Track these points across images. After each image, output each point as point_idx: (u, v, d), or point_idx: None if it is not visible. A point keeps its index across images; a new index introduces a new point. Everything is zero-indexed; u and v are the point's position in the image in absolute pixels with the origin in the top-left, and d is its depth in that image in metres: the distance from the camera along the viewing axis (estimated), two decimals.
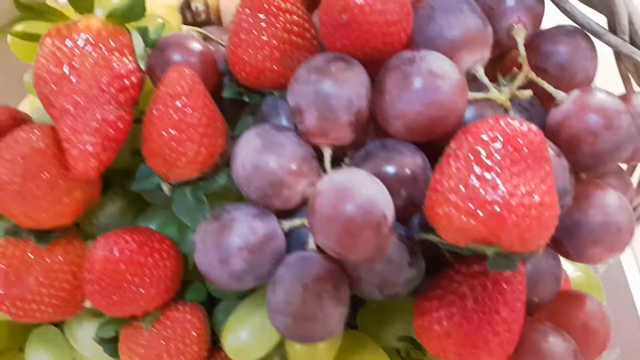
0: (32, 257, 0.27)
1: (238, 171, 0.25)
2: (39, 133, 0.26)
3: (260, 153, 0.24)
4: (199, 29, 0.32)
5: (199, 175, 0.27)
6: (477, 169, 0.21)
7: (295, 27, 0.27)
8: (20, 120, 0.29)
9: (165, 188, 0.28)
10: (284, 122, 0.28)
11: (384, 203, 0.22)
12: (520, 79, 0.27)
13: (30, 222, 0.26)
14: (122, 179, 0.30)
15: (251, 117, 0.30)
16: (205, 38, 0.32)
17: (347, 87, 0.24)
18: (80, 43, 0.26)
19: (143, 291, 0.26)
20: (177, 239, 0.29)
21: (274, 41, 0.27)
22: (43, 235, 0.27)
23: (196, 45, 0.29)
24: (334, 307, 0.24)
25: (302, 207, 0.26)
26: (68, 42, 0.26)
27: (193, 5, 0.36)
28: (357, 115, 0.24)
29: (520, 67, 0.27)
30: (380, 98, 0.24)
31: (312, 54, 0.28)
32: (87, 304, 0.29)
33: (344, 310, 0.24)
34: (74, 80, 0.25)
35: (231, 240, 0.24)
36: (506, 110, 0.26)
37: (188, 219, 0.27)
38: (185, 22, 0.37)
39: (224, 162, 0.28)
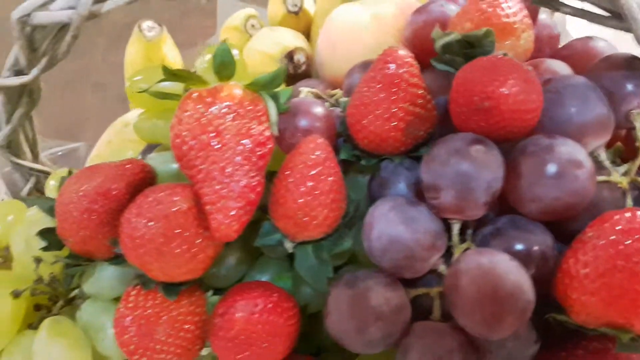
0: (161, 308, 0.28)
1: (373, 242, 0.26)
2: (182, 193, 0.27)
3: (396, 227, 0.26)
4: (311, 90, 0.33)
5: (322, 236, 0.29)
6: (618, 262, 0.23)
7: (419, 100, 0.29)
8: (148, 173, 0.30)
9: (289, 246, 0.29)
10: (402, 187, 0.29)
11: (529, 289, 0.23)
12: (638, 164, 0.28)
13: (164, 277, 0.28)
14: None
15: (360, 175, 0.32)
16: (318, 97, 0.34)
17: (486, 170, 0.25)
18: (224, 110, 0.27)
19: (273, 349, 0.27)
20: (292, 291, 0.30)
21: (401, 113, 0.28)
22: (172, 288, 0.28)
23: (320, 110, 0.30)
24: None
25: (425, 275, 0.27)
26: (213, 109, 0.27)
27: (295, 58, 0.37)
28: (493, 195, 0.26)
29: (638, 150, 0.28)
30: (514, 180, 0.26)
31: (431, 125, 0.29)
32: (205, 351, 0.30)
33: None
34: (219, 147, 0.26)
35: (368, 310, 0.25)
36: (624, 193, 0.28)
37: (310, 278, 0.28)
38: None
39: (344, 223, 0.29)
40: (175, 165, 0.34)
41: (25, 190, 0.46)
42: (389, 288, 0.26)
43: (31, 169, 0.44)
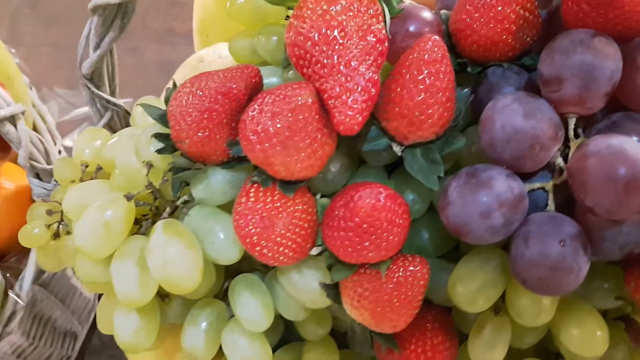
0: (281, 204, 0.29)
1: (496, 133, 0.27)
2: (305, 88, 0.28)
3: (522, 117, 0.27)
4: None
5: (433, 137, 0.29)
6: None
7: (529, 5, 0.30)
8: (261, 79, 0.31)
9: (397, 149, 0.30)
10: (512, 90, 0.30)
11: None
12: None
13: (285, 173, 0.28)
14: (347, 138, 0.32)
15: (458, 88, 0.33)
16: None
17: (610, 60, 0.26)
18: (346, 8, 0.28)
19: (392, 239, 0.28)
20: None
21: (513, 15, 0.29)
22: (289, 186, 0.29)
23: (430, 16, 0.31)
24: (585, 263, 0.26)
25: (537, 172, 0.28)
26: (335, 7, 0.27)
27: None
28: (613, 87, 0.26)
29: None
30: (632, 74, 0.27)
31: (537, 32, 0.30)
32: (313, 251, 0.31)
33: (588, 266, 0.26)
34: (344, 41, 0.27)
35: (493, 196, 0.26)
36: None
37: (422, 177, 0.29)
38: None
39: (452, 127, 0.30)
40: (274, 79, 0.34)
41: (99, 126, 0.47)
42: (510, 178, 0.27)
43: (108, 101, 0.45)
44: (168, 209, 0.32)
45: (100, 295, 0.71)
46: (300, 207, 0.30)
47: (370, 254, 0.28)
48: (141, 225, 0.33)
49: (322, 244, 0.30)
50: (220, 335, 0.34)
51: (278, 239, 0.29)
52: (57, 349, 0.63)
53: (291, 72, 0.33)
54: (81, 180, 0.38)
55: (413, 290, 0.29)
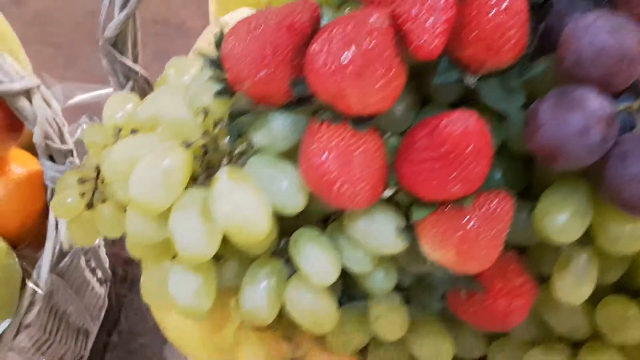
0: (354, 140, 0.27)
1: (584, 51, 0.26)
2: (379, 12, 0.26)
3: (607, 33, 0.25)
4: None
5: (509, 64, 0.28)
6: None
7: None
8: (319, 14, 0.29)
9: (471, 80, 0.28)
10: None
11: None
12: None
13: (358, 107, 0.27)
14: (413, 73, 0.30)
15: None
16: None
17: None
18: None
19: (479, 170, 0.26)
20: None
21: None
22: (361, 122, 0.27)
23: None
24: None
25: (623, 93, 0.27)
26: None
27: None
28: None
29: None
30: None
31: None
32: (386, 193, 0.29)
33: None
34: None
35: (589, 112, 0.25)
36: None
37: (502, 107, 0.28)
38: None
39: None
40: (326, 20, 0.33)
41: None
42: (602, 95, 0.26)
43: (131, 69, 0.43)
44: (224, 161, 0.30)
45: (109, 294, 0.69)
46: (373, 144, 0.28)
47: (455, 187, 0.27)
48: (195, 180, 0.31)
49: (394, 184, 0.29)
50: (282, 294, 0.32)
51: (356, 176, 0.27)
52: (71, 347, 0.60)
53: (347, 9, 0.32)
54: None
55: (499, 226, 0.28)
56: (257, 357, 0.34)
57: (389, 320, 0.33)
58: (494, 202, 0.28)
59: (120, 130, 0.36)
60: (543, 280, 0.31)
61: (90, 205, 0.37)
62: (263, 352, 0.34)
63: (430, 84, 0.30)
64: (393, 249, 0.30)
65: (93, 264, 0.62)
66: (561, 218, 0.28)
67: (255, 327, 0.36)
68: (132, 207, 0.30)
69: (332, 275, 0.31)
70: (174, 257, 0.33)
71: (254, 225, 0.28)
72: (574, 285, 0.29)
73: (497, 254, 0.28)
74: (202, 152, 0.31)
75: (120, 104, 0.37)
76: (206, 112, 0.29)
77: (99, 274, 0.64)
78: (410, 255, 0.32)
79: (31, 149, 0.53)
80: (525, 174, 0.32)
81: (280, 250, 0.34)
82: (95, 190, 0.36)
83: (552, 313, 0.32)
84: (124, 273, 0.74)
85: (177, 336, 0.39)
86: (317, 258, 0.31)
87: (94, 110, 0.79)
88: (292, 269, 0.33)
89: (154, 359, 0.67)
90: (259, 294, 0.32)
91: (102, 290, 0.66)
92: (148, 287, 0.34)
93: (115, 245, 0.75)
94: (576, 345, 0.33)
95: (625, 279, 0.31)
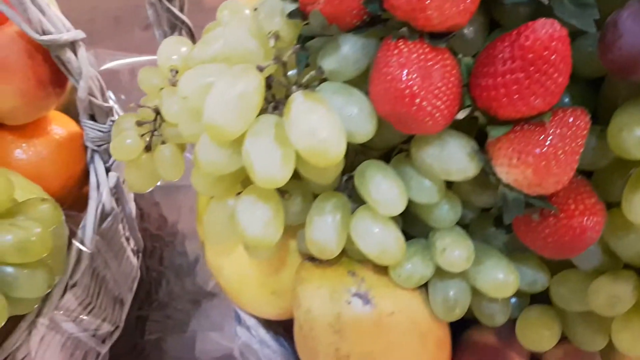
0: (432, 56, 0.27)
1: None
2: None
3: None
4: None
5: None
6: None
7: None
8: None
9: None
10: None
11: None
12: None
13: (437, 20, 0.26)
14: None
15: None
16: None
17: None
18: None
19: (560, 81, 0.26)
20: None
21: None
22: (437, 38, 0.27)
23: None
24: None
25: None
26: None
27: None
28: None
29: None
30: None
31: None
32: (460, 114, 0.29)
33: None
34: None
35: None
36: None
37: (577, 21, 0.28)
38: None
39: None
40: None
41: None
42: None
43: (177, 17, 0.43)
44: (294, 88, 0.30)
45: (141, 266, 0.69)
46: (449, 61, 0.28)
47: (537, 100, 0.27)
48: (264, 109, 0.31)
49: (469, 104, 0.29)
50: (348, 226, 0.32)
51: (436, 90, 0.27)
52: (109, 314, 0.60)
53: None
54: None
55: (576, 142, 0.28)
56: (321, 292, 0.34)
57: (455, 253, 0.33)
58: (572, 117, 0.28)
59: (176, 71, 0.36)
60: (608, 207, 0.31)
61: (148, 148, 0.37)
62: (328, 287, 0.34)
63: (500, 7, 0.30)
64: (466, 173, 0.30)
65: (128, 233, 0.62)
66: (638, 132, 0.28)
67: (317, 264, 0.36)
68: (206, 133, 0.29)
69: (401, 205, 0.31)
70: (239, 193, 0.33)
71: (331, 147, 0.28)
72: None
73: (573, 171, 0.28)
74: (270, 81, 0.31)
75: (174, 46, 0.37)
76: (277, 36, 0.29)
77: (132, 244, 0.64)
78: (479, 183, 0.32)
79: (67, 113, 0.53)
80: (591, 98, 0.32)
81: (342, 186, 0.34)
82: (154, 132, 0.36)
83: (619, 239, 0.32)
84: (152, 248, 0.74)
85: (234, 280, 0.39)
86: (385, 188, 0.31)
87: (125, 79, 0.79)
88: (355, 204, 0.33)
89: (187, 332, 0.67)
90: (327, 225, 0.32)
91: (135, 261, 0.66)
92: (212, 226, 0.34)
93: (144, 221, 0.75)
94: None
95: None
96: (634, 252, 0.32)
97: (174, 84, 0.36)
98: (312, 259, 0.36)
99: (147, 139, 0.36)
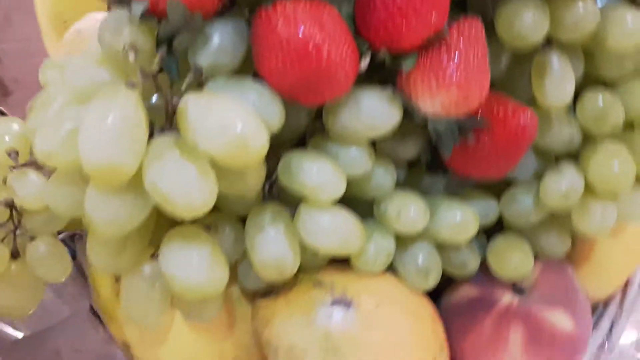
0: (316, 9, 0.24)
1: None
2: None
3: None
4: None
5: None
6: None
7: None
8: None
9: None
10: None
11: None
12: None
13: None
14: None
15: None
16: None
17: None
18: None
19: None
20: None
21: None
22: None
23: None
24: None
25: None
26: None
27: None
28: None
29: None
30: None
31: None
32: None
33: None
34: None
35: None
36: None
37: None
38: None
39: None
40: None
41: None
42: None
43: None
44: (175, 98, 0.25)
45: None
46: (332, 11, 0.25)
47: (433, 17, 0.25)
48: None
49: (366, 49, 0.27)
50: (295, 232, 0.28)
51: (336, 39, 0.24)
52: None
53: None
54: None
55: (481, 45, 0.27)
56: (296, 321, 0.29)
57: (411, 211, 0.30)
58: (465, 24, 0.27)
59: (17, 152, 0.29)
60: None
61: (16, 254, 0.28)
62: (300, 312, 0.29)
63: None
64: (392, 119, 0.28)
65: None
66: (526, 17, 0.28)
67: (274, 295, 0.31)
68: (92, 184, 0.23)
69: (341, 182, 0.28)
70: (153, 255, 0.27)
71: (252, 138, 0.23)
72: (556, 84, 0.29)
73: (488, 73, 0.28)
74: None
75: (1, 128, 0.30)
76: (135, 49, 0.24)
77: None
78: (400, 133, 0.30)
79: None
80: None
81: (268, 195, 0.30)
82: (15, 232, 0.28)
83: (544, 133, 0.32)
84: None
85: None
86: (318, 171, 0.28)
87: None
88: (290, 208, 0.29)
89: None
90: (274, 239, 0.27)
91: None
92: (135, 306, 0.27)
93: None
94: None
95: (590, 71, 0.32)
96: (561, 141, 0.32)
97: (21, 166, 0.28)
98: (265, 293, 0.31)
99: (10, 243, 0.28)
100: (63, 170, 0.24)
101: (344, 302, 0.29)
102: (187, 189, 0.23)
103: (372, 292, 0.30)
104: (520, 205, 0.33)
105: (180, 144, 0.24)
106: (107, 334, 0.39)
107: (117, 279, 0.31)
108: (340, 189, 0.28)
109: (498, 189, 0.34)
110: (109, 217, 0.23)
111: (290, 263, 0.27)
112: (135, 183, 0.23)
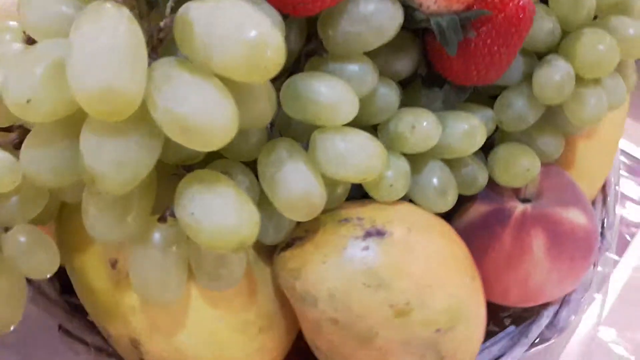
0: None
1: None
2: None
3: None
4: None
5: None
6: None
7: None
8: None
9: None
10: None
11: None
12: None
13: None
14: None
15: None
16: None
17: None
18: None
19: None
20: None
21: None
22: None
23: None
24: None
25: None
26: None
27: None
28: None
29: None
30: None
31: None
32: None
33: None
34: None
35: None
36: None
37: None
38: None
39: None
40: None
41: None
42: None
43: None
44: (167, 19, 0.21)
45: None
46: None
47: None
48: None
49: None
50: (316, 163, 0.25)
51: None
52: None
53: None
54: None
55: None
56: (332, 263, 0.26)
57: (424, 124, 0.28)
58: None
59: None
60: None
61: None
62: (333, 253, 0.26)
63: None
64: (396, 20, 0.26)
65: None
66: None
67: (298, 243, 0.27)
68: (91, 119, 0.19)
69: (354, 98, 0.26)
70: (161, 218, 0.23)
71: (269, 41, 0.20)
72: None
73: None
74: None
75: None
76: None
77: None
78: (396, 45, 0.28)
79: None
80: None
81: (270, 134, 0.27)
82: None
83: None
84: None
85: (205, 347, 0.27)
86: (330, 89, 0.25)
87: None
88: (301, 142, 0.26)
89: None
90: (296, 172, 0.24)
91: None
92: (148, 281, 0.23)
93: None
94: None
95: None
96: (542, 36, 0.32)
97: None
98: (285, 246, 0.28)
99: None
100: (48, 119, 0.20)
101: (377, 232, 0.27)
102: (209, 110, 0.19)
103: (400, 219, 0.28)
104: (516, 108, 0.32)
105: (185, 64, 0.20)
106: (91, 349, 0.34)
107: (113, 264, 0.26)
108: (355, 107, 0.25)
109: (489, 104, 0.33)
110: (114, 163, 0.19)
111: (319, 196, 0.24)
112: (140, 117, 0.19)
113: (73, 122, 0.20)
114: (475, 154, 0.32)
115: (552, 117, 0.34)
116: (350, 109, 0.25)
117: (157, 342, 0.27)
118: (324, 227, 0.27)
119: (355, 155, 0.25)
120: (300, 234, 0.28)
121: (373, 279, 0.26)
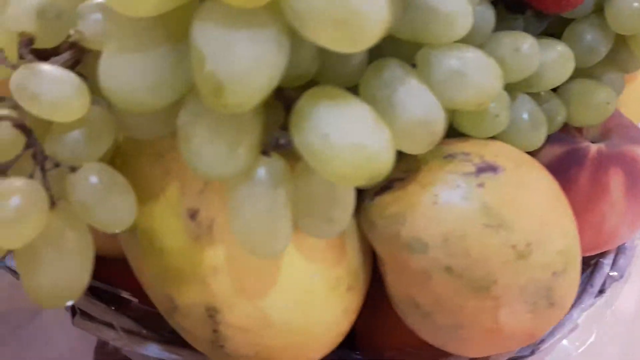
0: None
1: None
2: None
3: None
4: None
5: None
6: None
7: None
8: None
9: None
10: None
11: None
12: None
13: None
14: None
15: None
16: None
17: None
18: None
19: None
20: None
21: None
22: None
23: None
24: None
25: None
26: None
27: None
28: None
29: None
30: None
31: None
32: None
33: None
34: None
35: None
36: None
37: None
38: None
39: None
40: None
41: None
42: None
43: None
44: None
45: None
46: None
47: None
48: None
49: None
50: (431, 80, 0.22)
51: None
52: None
53: None
54: None
55: None
56: (443, 200, 0.23)
57: (525, 46, 0.25)
58: None
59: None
60: None
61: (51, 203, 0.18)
62: (444, 190, 0.23)
63: None
64: None
65: None
66: None
67: (397, 185, 0.24)
68: (213, 8, 0.15)
69: (471, 10, 0.22)
70: (264, 151, 0.19)
71: None
72: None
73: None
74: None
75: None
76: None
77: None
78: None
79: None
80: None
81: None
82: (43, 162, 0.18)
83: None
84: None
85: (297, 305, 0.23)
86: None
87: None
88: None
89: None
90: (417, 93, 0.21)
91: None
92: (251, 227, 0.19)
93: None
94: None
95: None
96: None
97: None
98: (382, 189, 0.24)
99: (44, 183, 0.18)
100: (155, 11, 0.15)
101: (490, 167, 0.24)
102: None
103: (505, 154, 0.25)
104: (587, 40, 0.30)
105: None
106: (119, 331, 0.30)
107: (193, 215, 0.22)
108: (471, 19, 0.22)
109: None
110: (248, 63, 0.15)
111: (440, 119, 0.21)
112: (273, 7, 0.15)
113: (176, 17, 0.16)
114: None
115: (614, 53, 0.32)
116: (465, 22, 0.22)
117: (241, 307, 0.23)
118: (428, 165, 0.24)
119: (474, 73, 0.22)
120: (399, 174, 0.24)
121: (494, 219, 0.23)
